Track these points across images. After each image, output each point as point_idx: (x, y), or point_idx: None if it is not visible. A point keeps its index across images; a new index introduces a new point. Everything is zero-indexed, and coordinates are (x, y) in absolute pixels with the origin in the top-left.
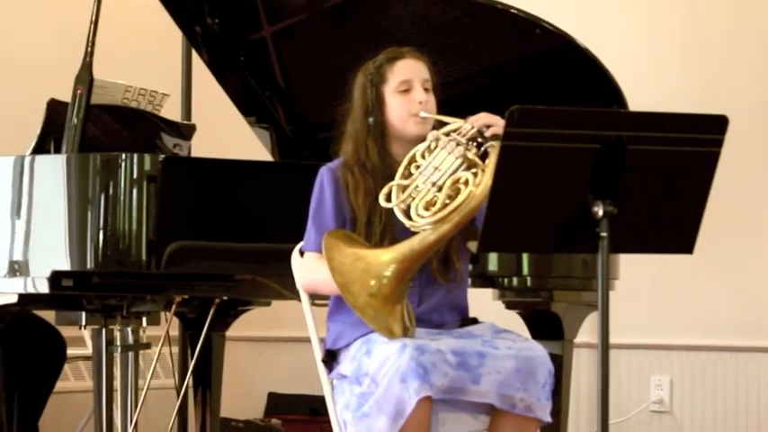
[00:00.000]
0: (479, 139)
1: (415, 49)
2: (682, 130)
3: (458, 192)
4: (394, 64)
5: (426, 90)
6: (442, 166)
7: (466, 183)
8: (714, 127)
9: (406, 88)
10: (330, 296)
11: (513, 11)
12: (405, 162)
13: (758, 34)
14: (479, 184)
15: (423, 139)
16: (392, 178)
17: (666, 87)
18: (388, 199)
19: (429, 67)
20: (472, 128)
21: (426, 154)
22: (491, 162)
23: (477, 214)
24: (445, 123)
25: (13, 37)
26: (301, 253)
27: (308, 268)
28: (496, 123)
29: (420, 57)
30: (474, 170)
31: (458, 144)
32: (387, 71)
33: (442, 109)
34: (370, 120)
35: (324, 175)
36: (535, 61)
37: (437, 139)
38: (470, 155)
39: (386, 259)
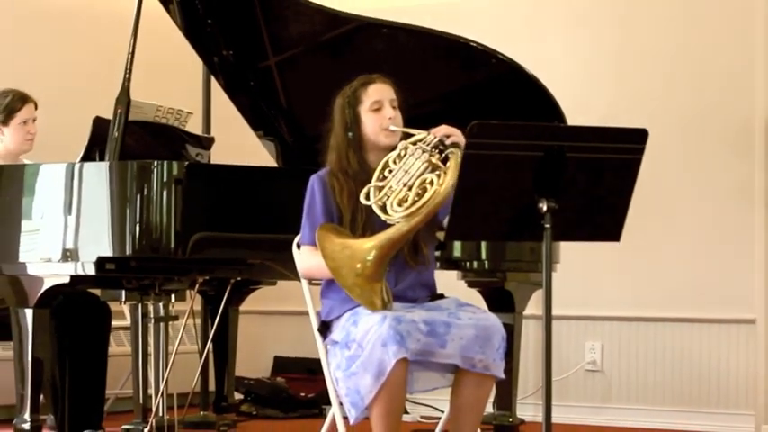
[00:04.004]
0: (441, 147)
1: (382, 74)
2: (610, 140)
3: (425, 190)
4: (367, 88)
5: (394, 108)
6: (411, 170)
7: (431, 183)
8: (637, 138)
9: (377, 107)
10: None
11: (472, 44)
12: (379, 167)
13: (670, 60)
14: (442, 184)
15: (393, 148)
16: (370, 181)
17: (598, 102)
18: (367, 198)
19: (395, 88)
20: (435, 137)
21: (397, 160)
22: (451, 165)
23: (440, 208)
24: (411, 135)
25: (68, 67)
26: (298, 246)
27: (304, 258)
28: (455, 133)
29: (387, 81)
30: (437, 172)
31: (423, 151)
32: (361, 94)
33: (408, 123)
34: (349, 134)
35: (314, 181)
36: (491, 84)
37: (406, 148)
38: (434, 160)
39: (368, 246)
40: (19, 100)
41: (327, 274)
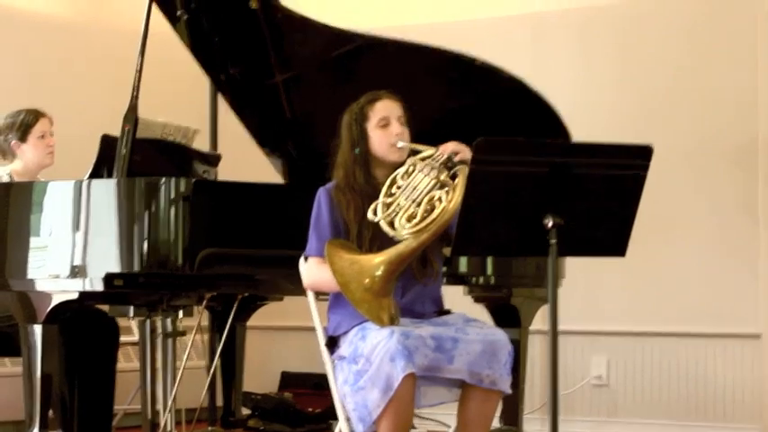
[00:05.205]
0: (449, 164)
1: (389, 91)
2: (616, 157)
3: (434, 207)
4: (374, 104)
5: (402, 124)
6: (420, 186)
7: (440, 199)
8: (642, 155)
9: (384, 124)
10: (330, 292)
11: (477, 61)
12: (387, 183)
13: (674, 78)
14: (451, 201)
15: (400, 164)
16: (377, 197)
17: (602, 119)
18: (375, 213)
19: (402, 104)
20: (443, 154)
21: (405, 176)
22: (460, 182)
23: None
24: (418, 151)
25: (75, 84)
26: (305, 258)
27: (311, 271)
28: (463, 150)
29: (394, 97)
30: (446, 189)
31: (432, 168)
32: (368, 110)
33: (415, 138)
34: (357, 151)
35: (321, 194)
36: (495, 101)
37: (414, 164)
38: (443, 176)
39: (377, 261)
40: (32, 115)
41: (333, 286)
